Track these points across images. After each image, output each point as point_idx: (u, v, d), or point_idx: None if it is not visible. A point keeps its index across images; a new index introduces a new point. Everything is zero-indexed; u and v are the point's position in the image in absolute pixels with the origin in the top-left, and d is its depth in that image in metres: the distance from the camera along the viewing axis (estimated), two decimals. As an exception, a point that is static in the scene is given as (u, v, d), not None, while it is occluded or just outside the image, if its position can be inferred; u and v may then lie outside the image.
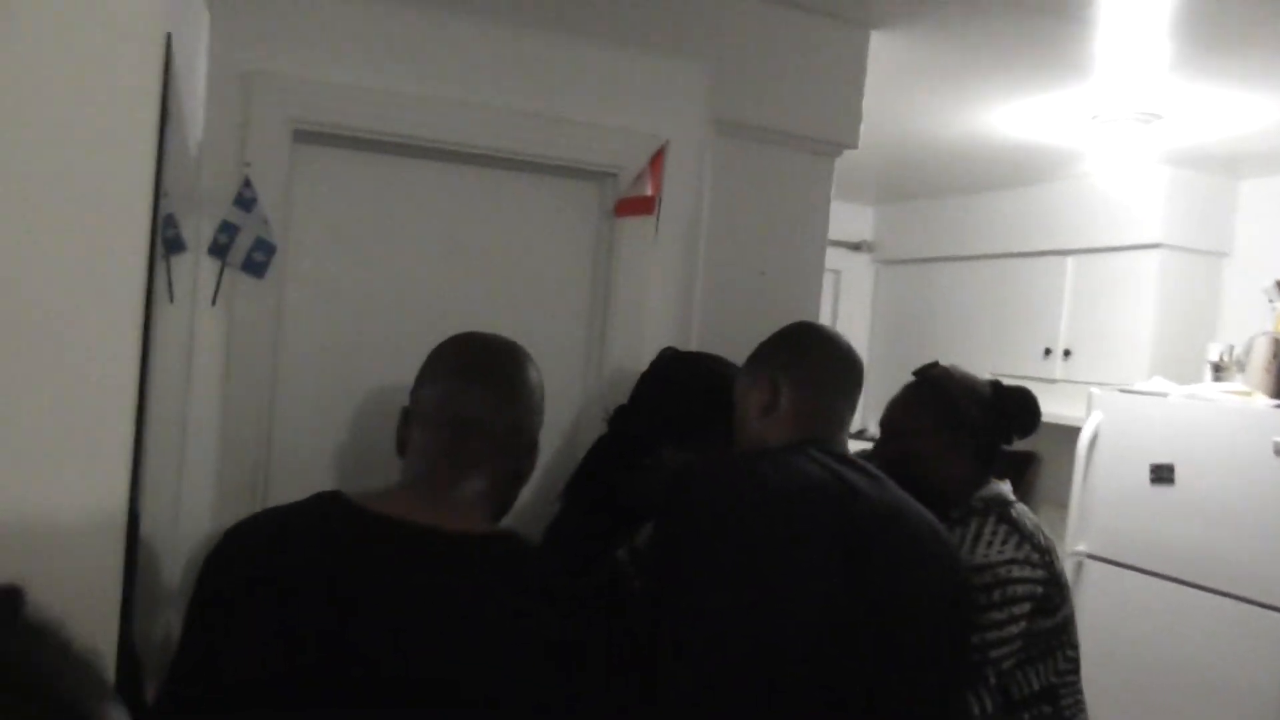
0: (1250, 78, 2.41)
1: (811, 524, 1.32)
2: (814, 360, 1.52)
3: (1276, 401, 2.83)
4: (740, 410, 1.54)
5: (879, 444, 1.79)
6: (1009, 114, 2.89)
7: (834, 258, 4.41)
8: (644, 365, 1.80)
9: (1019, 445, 4.17)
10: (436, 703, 1.00)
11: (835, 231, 4.30)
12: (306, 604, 1.02)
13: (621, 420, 1.69)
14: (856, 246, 4.64)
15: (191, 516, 1.61)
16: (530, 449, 1.27)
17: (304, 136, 1.69)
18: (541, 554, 1.20)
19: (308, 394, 1.73)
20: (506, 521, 1.30)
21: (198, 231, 1.59)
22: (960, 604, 1.47)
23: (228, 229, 1.59)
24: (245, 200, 1.60)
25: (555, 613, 1.07)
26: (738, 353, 1.74)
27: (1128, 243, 3.55)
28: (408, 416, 1.24)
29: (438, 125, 1.76)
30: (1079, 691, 1.71)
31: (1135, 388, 3.20)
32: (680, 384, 1.68)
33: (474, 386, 1.21)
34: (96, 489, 0.91)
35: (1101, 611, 3.15)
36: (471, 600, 1.04)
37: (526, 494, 1.59)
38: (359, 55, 1.70)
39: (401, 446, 1.24)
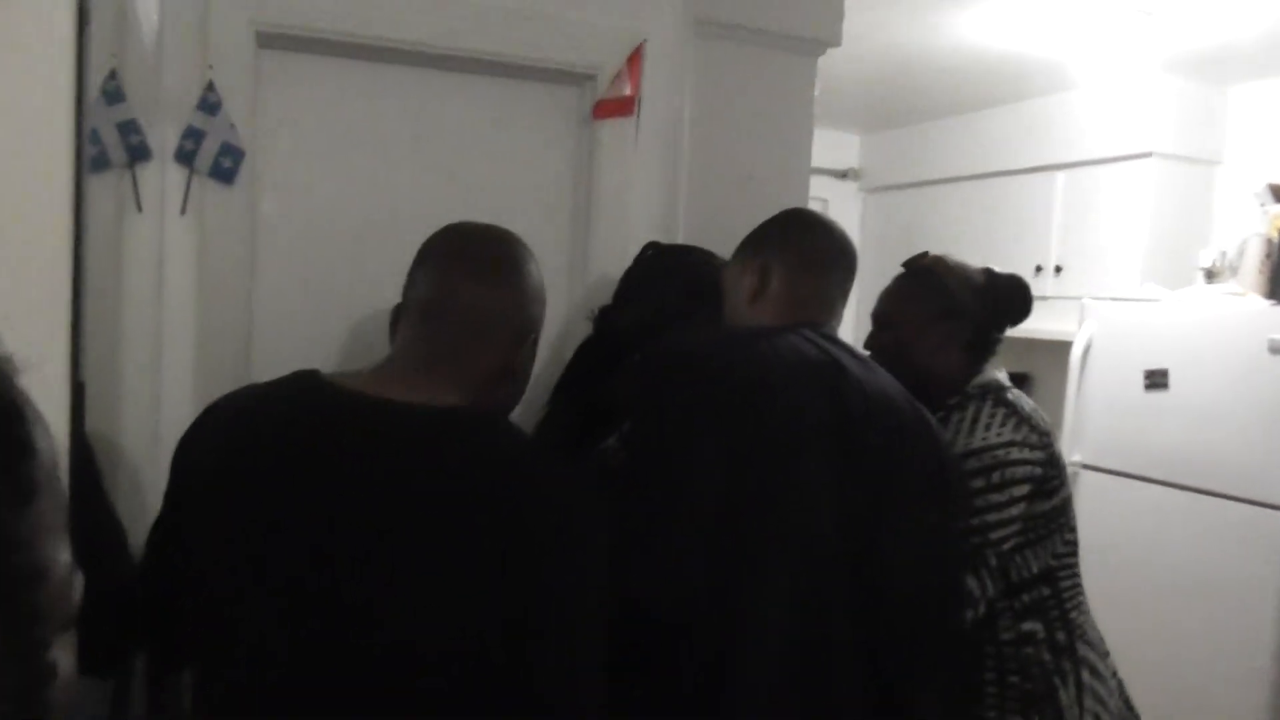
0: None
1: (802, 400, 1.29)
2: (805, 243, 1.48)
3: (1271, 300, 2.81)
4: (730, 298, 1.51)
5: (871, 335, 1.76)
6: (992, 17, 2.83)
7: (821, 186, 4.37)
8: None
9: (1014, 365, 4.19)
10: (388, 577, 0.97)
11: (821, 160, 4.26)
12: (266, 481, 1.01)
13: (606, 319, 1.66)
14: (843, 175, 4.59)
15: (172, 431, 1.57)
16: (518, 342, 1.19)
17: (268, 40, 1.63)
18: (507, 425, 1.13)
19: (285, 303, 1.70)
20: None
21: (162, 138, 1.55)
22: (946, 492, 1.44)
23: (193, 134, 1.55)
24: (209, 104, 1.55)
25: (524, 484, 1.03)
26: (725, 254, 1.71)
27: (1118, 154, 3.51)
28: (398, 312, 1.20)
29: (408, 25, 1.70)
30: (1077, 574, 1.71)
31: (1126, 296, 3.19)
32: (664, 277, 1.65)
33: (449, 272, 1.16)
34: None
35: (1100, 521, 3.15)
36: (430, 472, 1.00)
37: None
38: (321, -48, 1.64)
39: (392, 342, 1.21)
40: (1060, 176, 3.72)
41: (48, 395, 0.84)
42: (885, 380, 1.41)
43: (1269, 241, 2.91)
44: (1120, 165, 3.51)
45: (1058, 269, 3.72)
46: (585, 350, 1.69)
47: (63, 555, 0.48)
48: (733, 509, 1.23)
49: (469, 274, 1.16)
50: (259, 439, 1.04)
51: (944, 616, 1.42)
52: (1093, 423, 3.22)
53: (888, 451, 1.34)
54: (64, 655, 0.48)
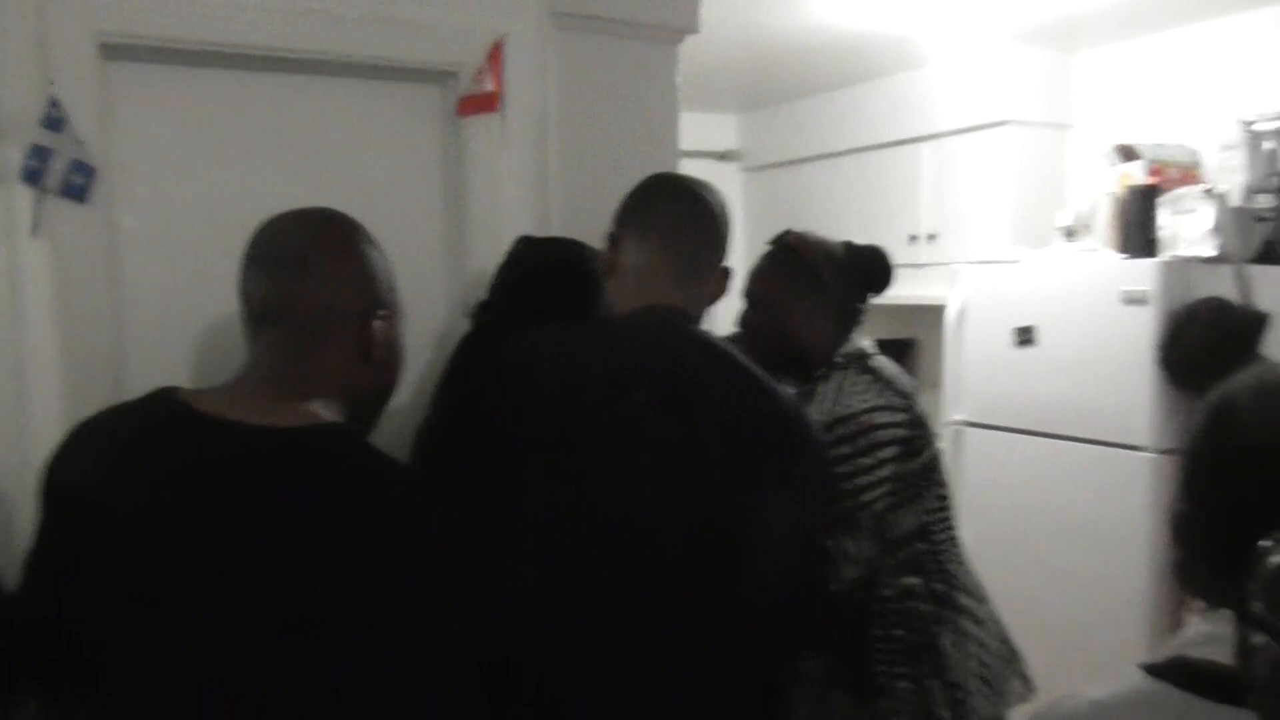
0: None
1: (621, 401, 1.27)
2: (657, 212, 1.42)
3: (1123, 254, 2.99)
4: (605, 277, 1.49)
5: (743, 314, 1.82)
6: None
7: (700, 168, 4.40)
8: (503, 262, 1.78)
9: (897, 332, 4.31)
10: (231, 602, 0.98)
11: (700, 142, 4.35)
12: (120, 508, 1.01)
13: (482, 313, 1.67)
14: (723, 156, 4.67)
15: (40, 456, 1.53)
16: (364, 325, 1.15)
17: (113, 52, 1.59)
18: (360, 444, 1.11)
19: (153, 317, 1.66)
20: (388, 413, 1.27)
21: (6, 159, 1.50)
22: (798, 467, 1.38)
23: (38, 153, 1.50)
24: (54, 120, 1.51)
25: (372, 508, 1.03)
26: (598, 244, 1.74)
27: (976, 123, 3.66)
28: (242, 318, 1.18)
29: (258, 31, 1.68)
30: (951, 528, 1.80)
31: (993, 259, 3.34)
32: (534, 268, 1.67)
33: (271, 271, 1.13)
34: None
35: (981, 474, 3.31)
36: (270, 496, 1.01)
37: (401, 399, 1.57)
38: (163, -40, 1.61)
39: None
40: (925, 148, 3.86)
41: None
42: (739, 375, 1.37)
43: (1118, 199, 3.08)
44: (980, 134, 3.67)
45: (930, 237, 3.87)
46: (465, 345, 1.70)
47: None
48: (553, 525, 1.22)
49: (290, 269, 1.13)
50: (118, 467, 1.04)
51: (810, 590, 1.42)
52: (970, 381, 3.36)
53: (724, 441, 1.30)
54: None
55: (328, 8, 1.74)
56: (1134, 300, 2.82)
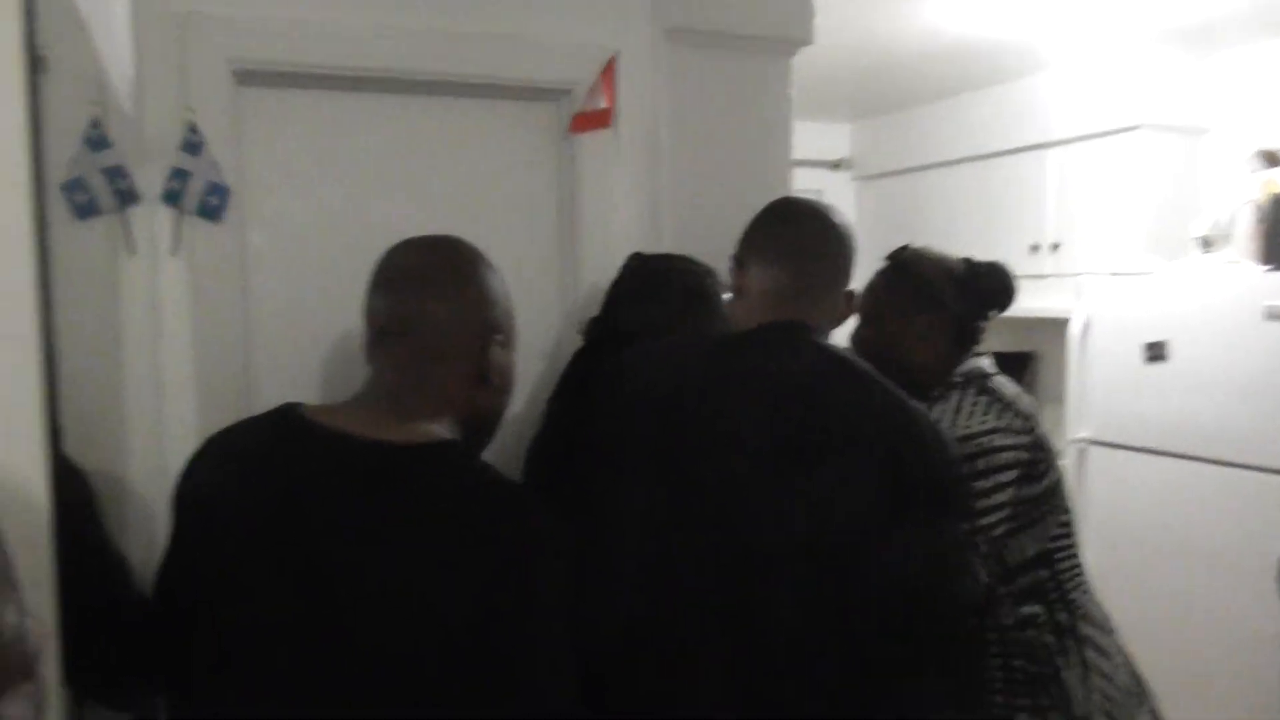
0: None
1: (734, 415, 1.27)
2: (783, 235, 1.42)
3: (1266, 267, 2.82)
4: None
5: (856, 330, 1.78)
6: (961, 4, 2.84)
7: (812, 177, 4.39)
8: (615, 278, 1.79)
9: (1016, 345, 4.17)
10: (346, 609, 1.00)
11: (812, 151, 4.29)
12: (248, 520, 1.05)
13: (595, 330, 1.68)
14: (835, 165, 4.60)
15: (177, 464, 1.60)
16: (483, 348, 1.19)
17: (246, 77, 1.67)
18: (474, 461, 1.14)
19: (279, 331, 1.73)
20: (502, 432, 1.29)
21: (149, 181, 1.58)
22: (933, 491, 1.32)
23: (178, 175, 1.58)
24: (192, 145, 1.59)
25: (487, 522, 1.05)
26: (711, 260, 1.74)
27: (1106, 128, 3.51)
28: (365, 334, 1.22)
29: (380, 54, 1.73)
30: (1075, 555, 1.72)
31: (1123, 270, 3.19)
32: (646, 284, 1.67)
33: (399, 291, 1.17)
34: (12, 478, 0.83)
35: (1106, 495, 3.17)
36: (387, 508, 1.03)
37: (513, 413, 1.59)
38: (293, -12, 1.67)
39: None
40: (1049, 154, 3.72)
41: (27, 450, 0.86)
42: (863, 389, 1.32)
43: (1260, 208, 2.91)
44: (1109, 139, 3.51)
45: (1054, 246, 3.72)
46: (577, 361, 1.71)
47: (9, 616, 0.51)
48: (664, 529, 1.22)
49: (416, 290, 1.17)
50: (243, 478, 1.09)
51: (935, 616, 1.36)
52: (1096, 398, 3.22)
53: (846, 451, 1.26)
54: (16, 707, 0.51)
55: (445, 29, 1.78)
56: (1277, 316, 2.65)
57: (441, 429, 1.13)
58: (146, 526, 1.58)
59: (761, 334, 1.34)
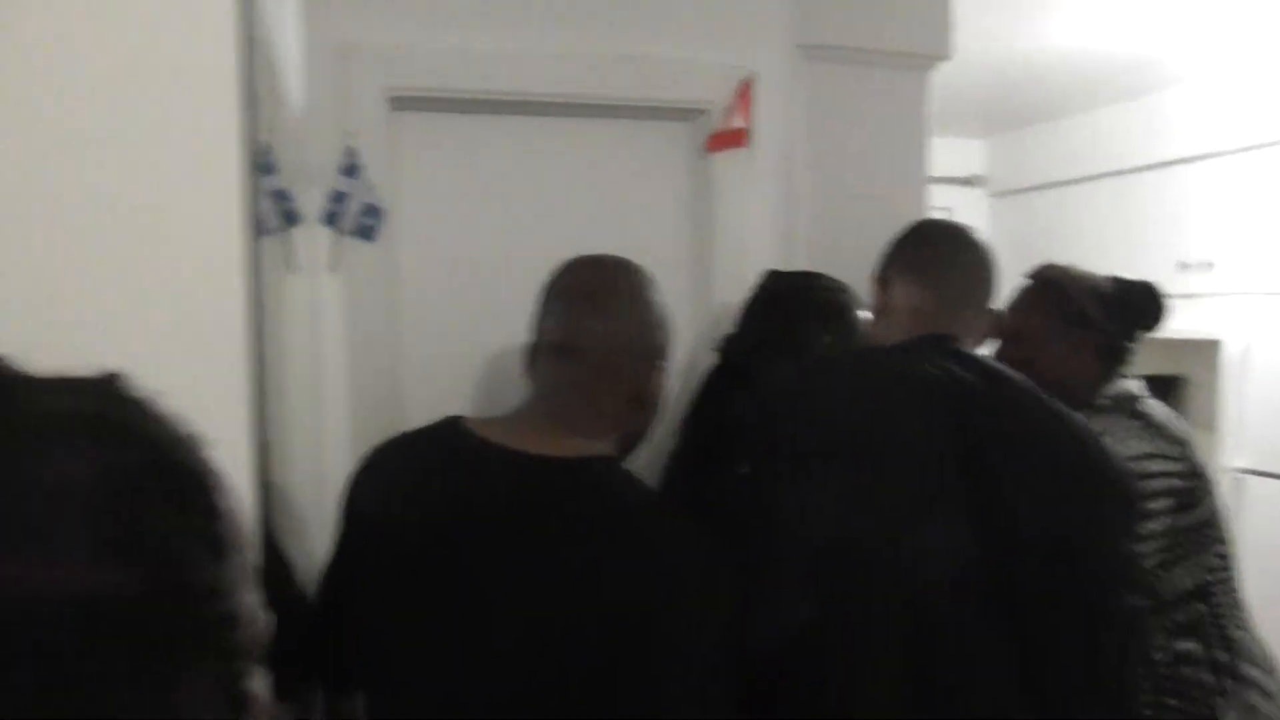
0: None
1: (916, 428, 1.25)
2: (920, 252, 1.43)
3: None
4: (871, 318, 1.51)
5: (999, 350, 1.74)
6: (1093, 19, 2.75)
7: (945, 194, 4.29)
8: (750, 297, 1.79)
9: (1164, 369, 3.98)
10: (523, 628, 1.03)
11: (944, 167, 4.20)
12: (417, 529, 1.10)
13: (730, 346, 1.70)
14: (967, 181, 4.49)
15: (333, 475, 1.68)
16: (647, 369, 1.22)
17: (401, 103, 1.75)
18: (633, 476, 1.16)
19: (429, 348, 1.80)
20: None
21: (310, 203, 1.68)
22: (1110, 506, 1.32)
23: (337, 197, 1.67)
24: (351, 168, 1.67)
25: (647, 534, 1.08)
26: (846, 277, 1.73)
27: (1257, 141, 3.33)
28: (529, 349, 1.25)
29: (525, 78, 1.80)
30: (1234, 589, 1.64)
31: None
32: (784, 301, 1.67)
33: (571, 309, 1.20)
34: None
35: (1267, 529, 2.98)
36: (550, 519, 1.06)
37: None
38: (446, 18, 1.75)
39: (527, 379, 1.27)
40: (1192, 169, 3.55)
41: (235, 455, 0.93)
42: (1028, 397, 1.31)
43: None
44: (1261, 152, 3.32)
45: (1205, 265, 3.54)
46: (711, 378, 1.73)
47: (253, 600, 0.56)
48: (840, 549, 1.21)
49: (588, 309, 1.19)
50: (411, 487, 1.13)
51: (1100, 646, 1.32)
52: (1255, 425, 3.05)
53: (1027, 473, 1.25)
54: (259, 685, 0.56)
55: (586, 52, 1.83)
56: None
57: (599, 446, 1.16)
58: (304, 535, 1.67)
59: (916, 346, 1.34)
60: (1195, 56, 3.19)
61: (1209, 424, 3.34)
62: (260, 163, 1.61)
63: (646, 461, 1.73)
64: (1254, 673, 1.62)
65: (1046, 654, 1.23)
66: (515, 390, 1.30)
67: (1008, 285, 1.78)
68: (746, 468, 1.32)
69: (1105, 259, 3.92)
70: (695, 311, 1.96)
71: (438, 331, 1.82)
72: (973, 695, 1.21)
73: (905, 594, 1.20)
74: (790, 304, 1.66)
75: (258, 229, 1.58)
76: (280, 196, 1.63)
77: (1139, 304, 1.71)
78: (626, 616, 1.01)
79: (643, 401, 1.23)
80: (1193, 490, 1.58)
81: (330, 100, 1.68)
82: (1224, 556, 1.64)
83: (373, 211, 1.69)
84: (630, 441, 1.24)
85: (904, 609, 1.20)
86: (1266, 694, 1.63)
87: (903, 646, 1.20)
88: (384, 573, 1.10)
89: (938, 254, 1.43)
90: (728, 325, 1.77)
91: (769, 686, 1.16)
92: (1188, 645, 1.58)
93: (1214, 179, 3.51)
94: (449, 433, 1.16)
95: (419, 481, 1.13)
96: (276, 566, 1.24)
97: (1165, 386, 3.84)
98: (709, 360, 1.78)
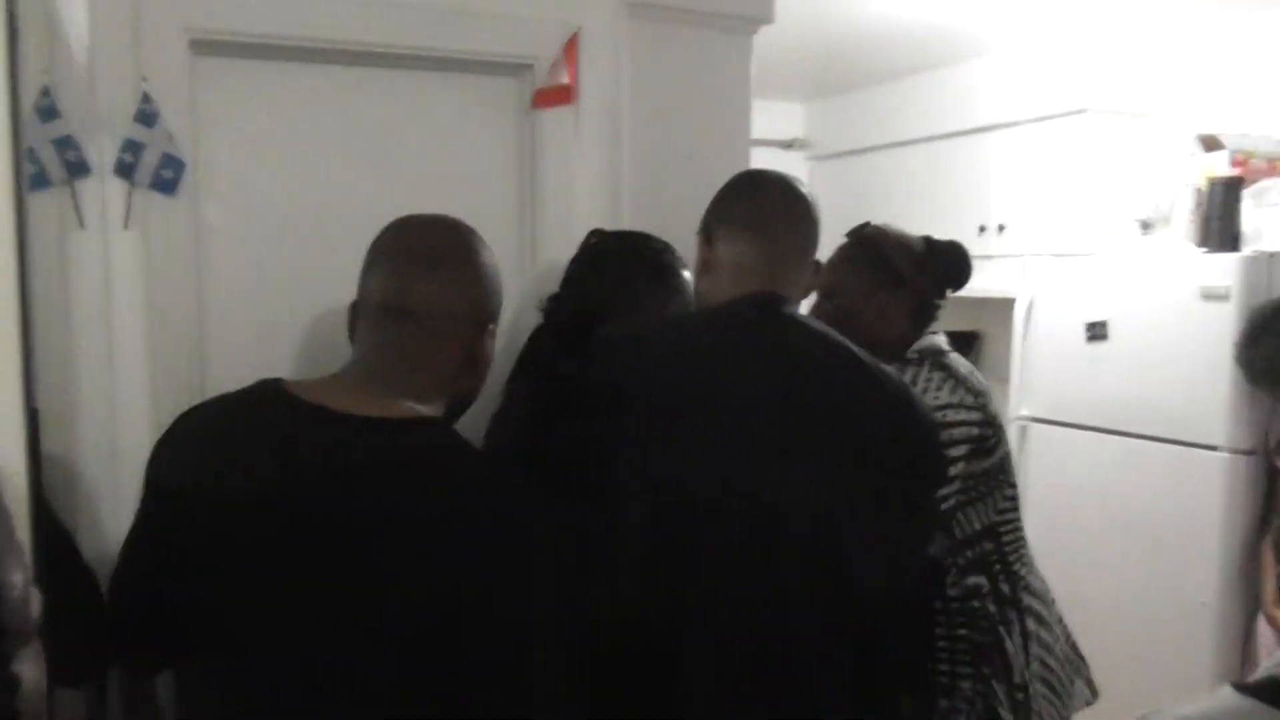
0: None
1: (735, 388, 1.28)
2: (750, 207, 1.39)
3: (1202, 249, 2.91)
4: (694, 274, 1.48)
5: (817, 303, 1.81)
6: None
7: (766, 157, 4.36)
8: (575, 255, 1.79)
9: (962, 324, 4.23)
10: (331, 585, 1.01)
11: (766, 130, 4.30)
12: (235, 497, 1.04)
13: (555, 306, 1.69)
14: (788, 145, 4.63)
15: (129, 445, 1.58)
16: (479, 333, 1.20)
17: (202, 47, 1.64)
18: (461, 439, 1.14)
19: (237, 309, 1.71)
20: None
21: (100, 153, 1.55)
22: (917, 462, 1.38)
23: (131, 147, 1.55)
24: (146, 115, 1.56)
25: (481, 494, 1.07)
26: (670, 237, 1.75)
27: (1050, 112, 3.58)
28: (355, 309, 1.21)
29: (341, 25, 1.71)
30: (1019, 528, 1.78)
31: (1066, 251, 3.27)
32: (608, 262, 1.68)
33: (404, 269, 1.16)
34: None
35: (1048, 472, 3.26)
36: (376, 483, 1.04)
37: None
38: (249, -43, 1.64)
39: (352, 340, 1.22)
40: (995, 137, 3.79)
41: (2, 425, 0.86)
42: (849, 356, 1.35)
43: (1198, 191, 3.00)
44: (1054, 123, 3.58)
45: (1000, 228, 3.80)
46: (536, 339, 1.72)
47: (15, 575, 0.51)
48: (671, 513, 1.23)
49: (422, 271, 1.15)
50: (227, 455, 1.08)
51: (915, 593, 1.40)
52: (1039, 376, 3.31)
53: (843, 429, 1.29)
54: (28, 667, 0.51)
55: (407, 1, 1.76)
56: (1213, 296, 2.75)
57: (426, 409, 1.13)
58: (91, 508, 1.56)
59: (744, 309, 1.33)
60: (1001, 29, 3.39)
61: (1003, 376, 3.60)
62: (40, 107, 1.48)
63: (469, 422, 1.71)
64: (1033, 603, 1.78)
65: (865, 595, 1.29)
66: (332, 355, 1.25)
67: (826, 245, 1.85)
68: (581, 427, 1.32)
69: (914, 221, 4.12)
70: (521, 270, 1.94)
71: (246, 293, 1.72)
72: (801, 638, 1.27)
73: (747, 544, 1.23)
74: (619, 264, 1.66)
75: (34, 180, 1.46)
76: (64, 145, 1.50)
77: (949, 263, 1.81)
78: (460, 574, 1.01)
79: (473, 365, 1.21)
80: (988, 438, 1.71)
81: (122, 41, 1.55)
82: (1012, 499, 1.78)
83: (172, 163, 1.58)
84: (458, 405, 1.22)
85: (746, 560, 1.24)
86: (1043, 622, 1.79)
87: (745, 591, 1.24)
88: (196, 546, 1.04)
89: (762, 205, 1.40)
90: (552, 285, 1.76)
91: (612, 644, 1.17)
92: (976, 580, 1.71)
93: (1011, 147, 3.76)
94: (267, 395, 1.10)
95: (232, 448, 1.08)
96: (55, 542, 1.15)
97: (965, 341, 4.12)
98: (534, 320, 1.77)
